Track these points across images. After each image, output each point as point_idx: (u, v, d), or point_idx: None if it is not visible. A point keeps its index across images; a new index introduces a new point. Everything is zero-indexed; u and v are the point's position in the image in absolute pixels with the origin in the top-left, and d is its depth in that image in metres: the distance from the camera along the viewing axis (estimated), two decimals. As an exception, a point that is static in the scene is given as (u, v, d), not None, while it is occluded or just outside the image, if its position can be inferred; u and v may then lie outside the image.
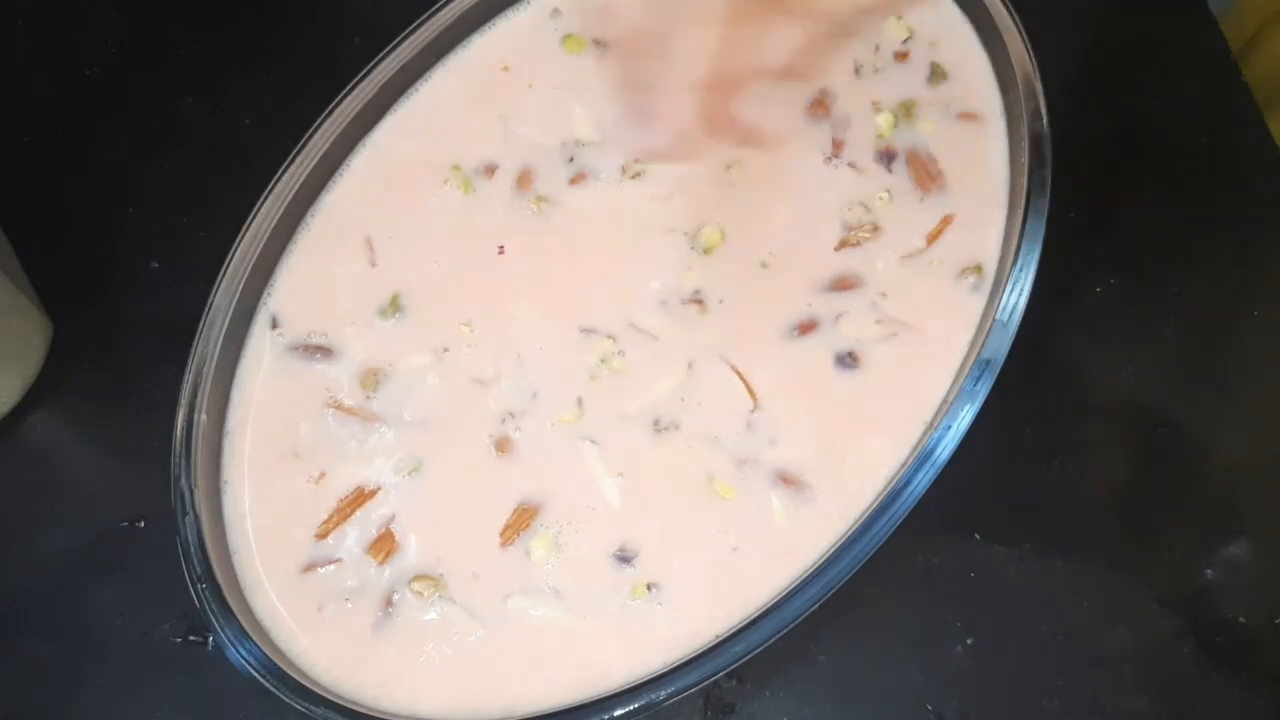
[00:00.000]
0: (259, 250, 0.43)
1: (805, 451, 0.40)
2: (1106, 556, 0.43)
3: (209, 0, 0.59)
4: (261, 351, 0.43)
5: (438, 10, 0.46)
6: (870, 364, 0.40)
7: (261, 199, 0.43)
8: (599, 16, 0.47)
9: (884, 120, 0.44)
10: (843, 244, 0.42)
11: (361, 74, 0.45)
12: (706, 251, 0.43)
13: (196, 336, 0.42)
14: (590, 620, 0.38)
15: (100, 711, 0.44)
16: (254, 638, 0.37)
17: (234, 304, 0.42)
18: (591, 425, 0.41)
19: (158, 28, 0.59)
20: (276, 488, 0.41)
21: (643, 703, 0.36)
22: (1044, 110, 0.41)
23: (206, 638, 0.44)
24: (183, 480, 0.39)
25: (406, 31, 0.45)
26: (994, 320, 0.38)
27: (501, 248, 0.44)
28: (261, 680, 0.37)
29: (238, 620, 0.38)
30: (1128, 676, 0.42)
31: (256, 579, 0.40)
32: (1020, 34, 0.42)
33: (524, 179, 0.45)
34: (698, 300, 0.42)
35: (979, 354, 0.38)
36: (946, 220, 0.42)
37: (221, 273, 0.42)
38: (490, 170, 0.45)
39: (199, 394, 0.41)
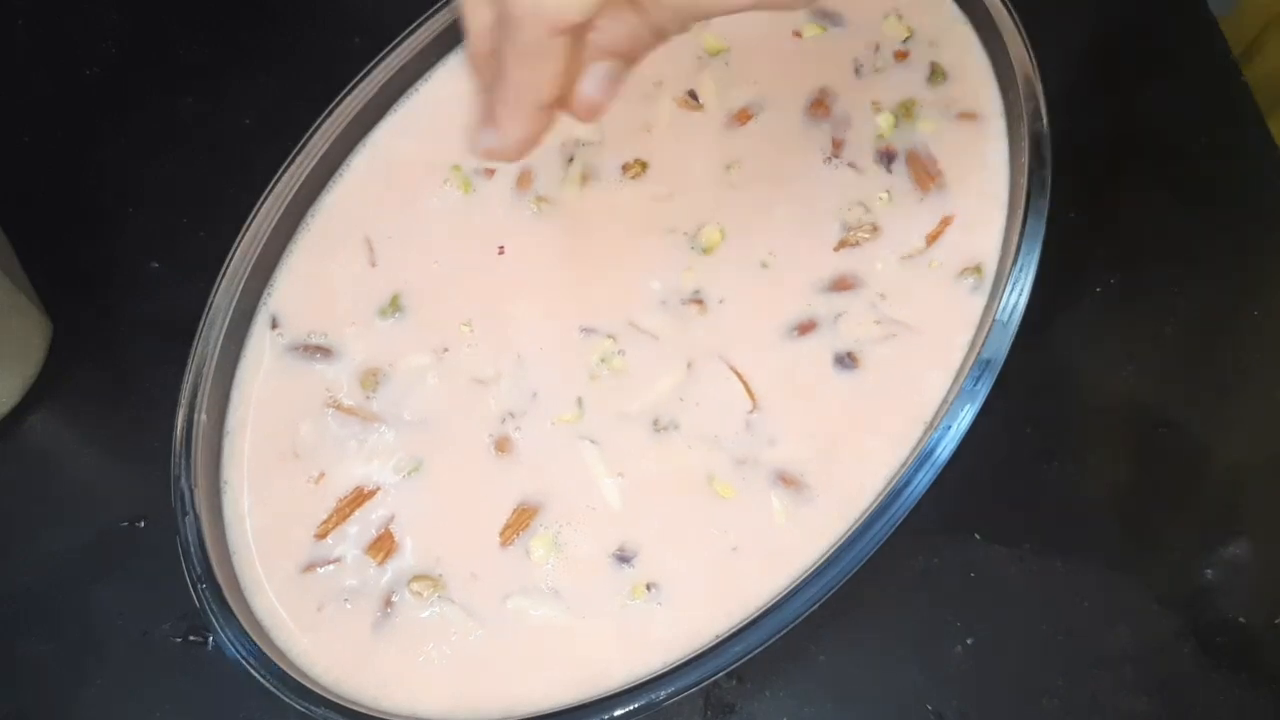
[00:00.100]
0: (259, 250, 0.43)
1: (805, 451, 0.40)
2: (1106, 556, 0.43)
3: (209, 0, 0.59)
4: (261, 351, 0.43)
5: (438, 10, 0.46)
6: (870, 364, 0.40)
7: (261, 199, 0.43)
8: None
9: (884, 120, 0.44)
10: (842, 244, 0.42)
11: (361, 74, 0.45)
12: (706, 251, 0.43)
13: (196, 336, 0.42)
14: (590, 620, 0.38)
15: (100, 711, 0.44)
16: (254, 638, 0.37)
17: (234, 304, 0.42)
18: (591, 425, 0.41)
19: (158, 28, 0.59)
20: (276, 488, 0.41)
21: (643, 703, 0.36)
22: (1044, 110, 0.41)
23: (206, 638, 0.44)
24: (183, 480, 0.39)
25: (406, 31, 0.45)
26: (994, 320, 0.38)
27: (501, 248, 0.44)
28: (261, 680, 0.37)
29: (238, 620, 0.38)
30: (1128, 676, 0.42)
31: (256, 579, 0.40)
32: (1020, 34, 0.42)
33: (524, 179, 0.45)
34: (698, 300, 0.42)
35: (979, 354, 0.38)
36: (946, 221, 0.42)
37: (221, 273, 0.42)
38: (490, 170, 0.45)
39: (199, 394, 0.41)
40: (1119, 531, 0.44)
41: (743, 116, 0.45)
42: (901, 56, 0.45)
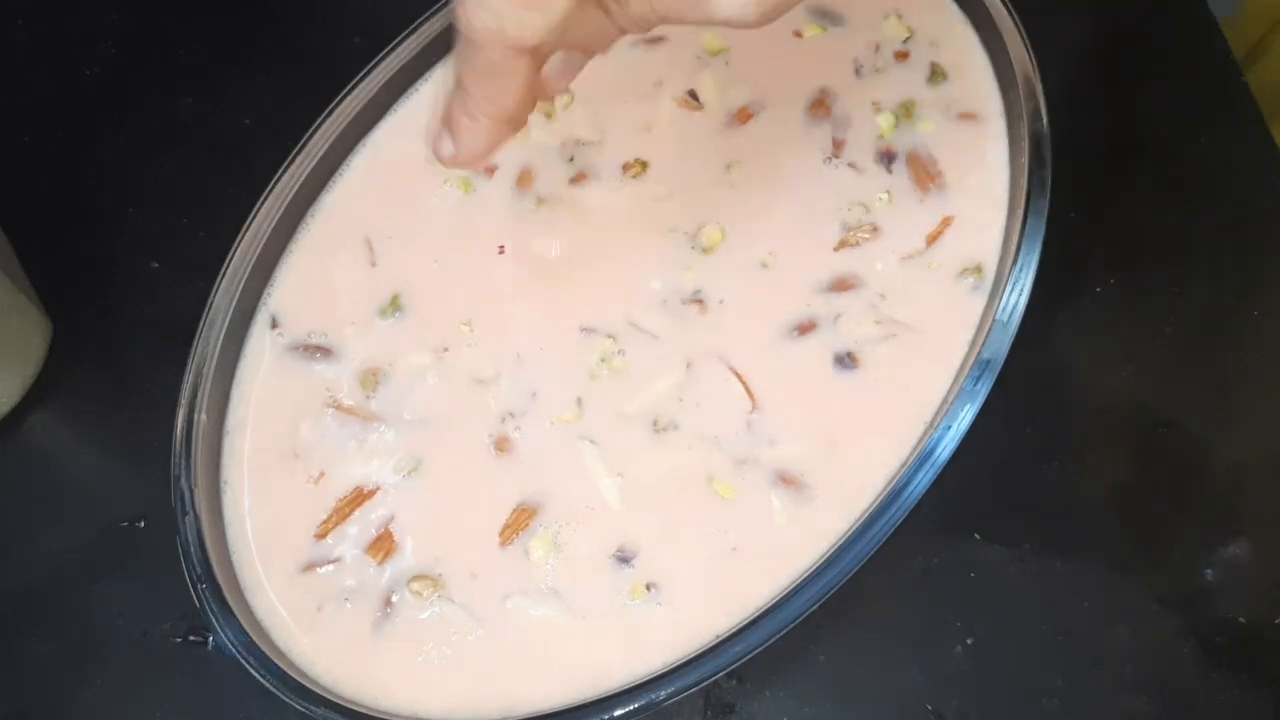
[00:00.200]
0: (259, 250, 0.43)
1: (805, 451, 0.40)
2: (1106, 556, 0.43)
3: (209, 0, 0.59)
4: (261, 351, 0.43)
5: (438, 10, 0.46)
6: (869, 364, 0.40)
7: (261, 199, 0.43)
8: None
9: (884, 120, 0.44)
10: (842, 244, 0.42)
11: (361, 74, 0.45)
12: (707, 251, 0.43)
13: (196, 336, 0.42)
14: (590, 620, 0.38)
15: (100, 711, 0.44)
16: (254, 638, 0.37)
17: (234, 304, 0.42)
18: (591, 425, 0.41)
19: (158, 28, 0.59)
20: (276, 488, 0.41)
21: (643, 703, 0.36)
22: (1044, 110, 0.41)
23: (206, 638, 0.44)
24: (183, 480, 0.39)
25: (406, 31, 0.45)
26: (994, 320, 0.38)
27: (502, 247, 0.44)
28: (261, 680, 0.37)
29: (238, 620, 0.38)
30: (1128, 676, 0.42)
31: (256, 579, 0.40)
32: (1020, 34, 0.42)
33: (524, 179, 0.45)
34: (698, 300, 0.42)
35: (979, 354, 0.38)
36: (946, 221, 0.42)
37: (221, 273, 0.42)
38: (490, 170, 0.45)
39: (199, 394, 0.41)
40: (1119, 531, 0.44)
41: (743, 116, 0.45)
42: (902, 57, 0.45)
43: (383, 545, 0.40)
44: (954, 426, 0.37)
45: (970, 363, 0.38)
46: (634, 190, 0.45)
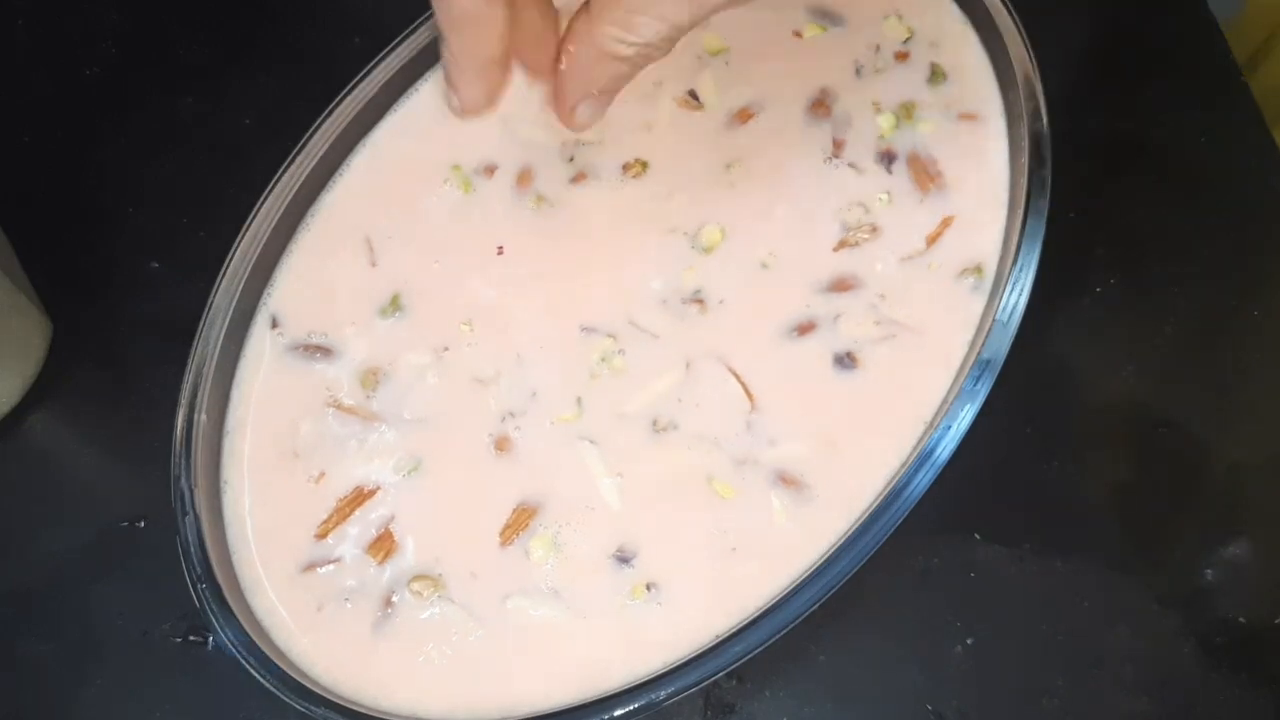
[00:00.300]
0: (259, 250, 0.43)
1: (805, 451, 0.40)
2: (1106, 556, 0.43)
3: (209, 0, 0.59)
4: (261, 351, 0.43)
5: (438, 10, 0.46)
6: (869, 364, 0.40)
7: (261, 199, 0.43)
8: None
9: (885, 121, 0.44)
10: (841, 244, 0.42)
11: (361, 74, 0.45)
12: (707, 251, 0.43)
13: (196, 336, 0.42)
14: (590, 620, 0.38)
15: (100, 711, 0.44)
16: (254, 638, 0.37)
17: (234, 304, 0.42)
18: (591, 425, 0.41)
19: (158, 28, 0.59)
20: (276, 488, 0.41)
21: (643, 703, 0.36)
22: (1044, 110, 0.41)
23: (206, 638, 0.44)
24: (183, 480, 0.39)
25: (406, 31, 0.45)
26: (994, 320, 0.38)
27: (501, 248, 0.44)
28: (261, 680, 0.37)
29: (238, 620, 0.37)
30: (1128, 676, 0.42)
31: (256, 579, 0.40)
32: (1020, 34, 0.42)
33: (524, 179, 0.45)
34: (698, 300, 0.42)
35: (979, 354, 0.38)
36: (946, 221, 0.42)
37: (221, 273, 0.42)
38: (490, 170, 0.45)
39: (199, 394, 0.41)
40: (1119, 531, 0.44)
41: (743, 116, 0.45)
42: (902, 57, 0.45)
43: (383, 545, 0.40)
44: (954, 426, 0.37)
45: (970, 363, 0.38)
46: (634, 190, 0.45)
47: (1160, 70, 0.53)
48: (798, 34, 0.46)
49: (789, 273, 0.42)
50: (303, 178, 0.44)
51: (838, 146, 0.44)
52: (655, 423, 0.41)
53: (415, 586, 0.39)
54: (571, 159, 0.45)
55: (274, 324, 0.44)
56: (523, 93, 0.47)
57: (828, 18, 0.46)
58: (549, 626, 0.38)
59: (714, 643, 0.37)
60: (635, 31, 0.31)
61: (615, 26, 0.31)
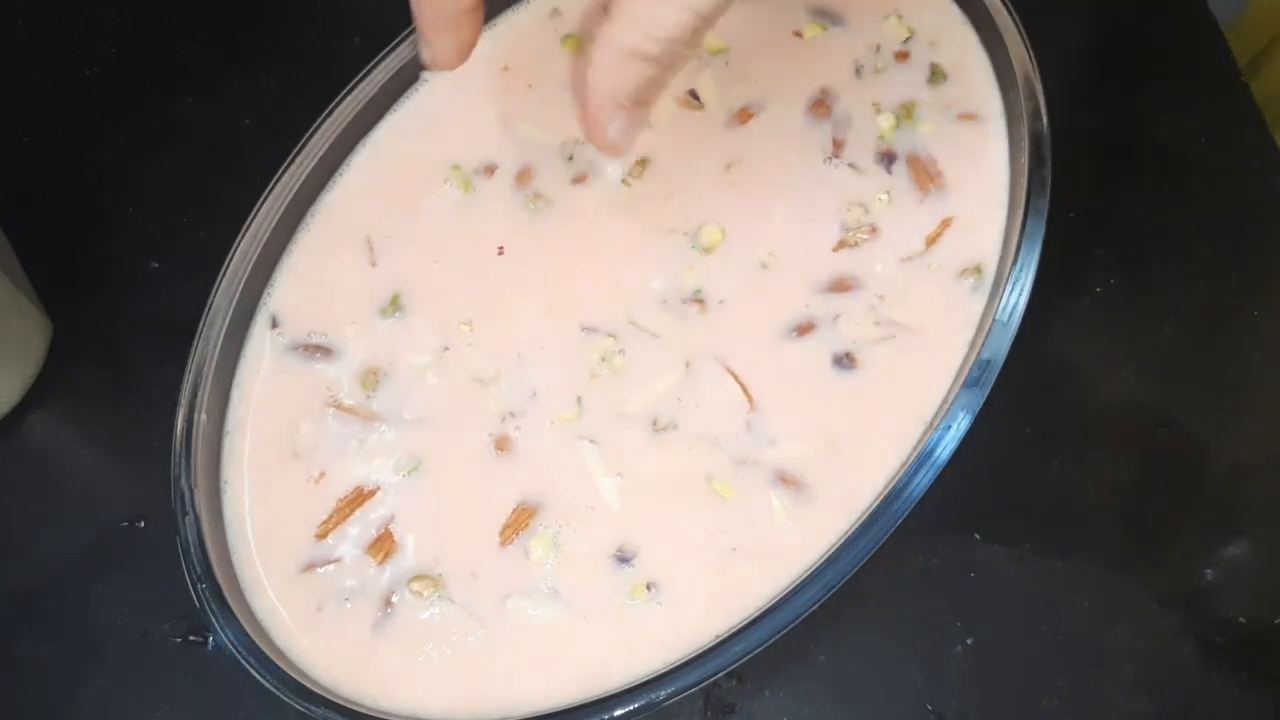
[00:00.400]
0: (259, 250, 0.43)
1: (805, 452, 0.40)
2: (1106, 556, 0.43)
3: (209, 0, 0.59)
4: (261, 351, 0.43)
5: (438, 10, 0.46)
6: (869, 365, 0.40)
7: (261, 199, 0.43)
8: (600, 16, 0.47)
9: (885, 121, 0.44)
10: (841, 245, 0.42)
11: (361, 74, 0.45)
12: (707, 251, 0.43)
13: (196, 336, 0.42)
14: (590, 620, 0.38)
15: (100, 711, 0.44)
16: (254, 638, 0.37)
17: (234, 304, 0.42)
18: (591, 424, 0.41)
19: (158, 28, 0.59)
20: (276, 488, 0.41)
21: (643, 703, 0.36)
22: (1044, 110, 0.41)
23: (206, 638, 0.44)
24: (183, 480, 0.39)
25: (406, 31, 0.45)
26: (994, 320, 0.38)
27: (501, 249, 0.44)
28: (261, 680, 0.37)
29: (238, 620, 0.38)
30: (1128, 676, 0.42)
31: (256, 579, 0.40)
32: (1020, 34, 0.42)
33: (524, 178, 0.45)
34: (698, 300, 0.42)
35: (979, 354, 0.38)
36: (946, 222, 0.42)
37: (221, 273, 0.42)
38: (490, 170, 0.45)
39: (199, 394, 0.41)
40: (1119, 531, 0.44)
41: (743, 116, 0.45)
42: (902, 57, 0.45)
43: (383, 545, 0.40)
44: (954, 426, 0.37)
45: (970, 363, 0.38)
46: (635, 190, 0.45)
47: (1160, 70, 0.53)
48: (798, 34, 0.46)
49: (789, 273, 0.42)
50: (303, 178, 0.44)
51: (838, 146, 0.44)
52: (655, 423, 0.41)
53: (415, 586, 0.39)
54: (571, 159, 0.45)
55: (274, 324, 0.44)
56: (523, 93, 0.47)
57: (828, 17, 0.46)
58: (549, 626, 0.38)
59: (714, 643, 0.36)
60: (659, 26, 0.30)
61: (637, 23, 0.31)
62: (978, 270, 0.41)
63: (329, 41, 0.54)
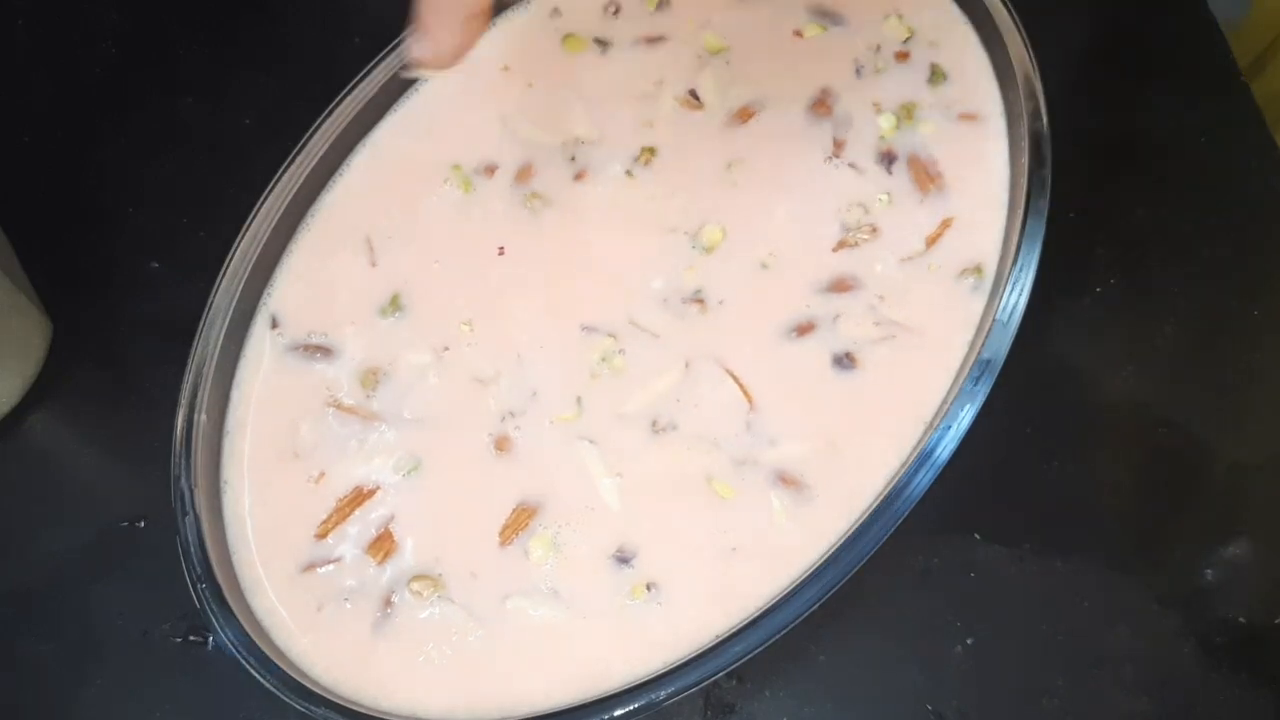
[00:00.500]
0: (259, 250, 0.43)
1: (805, 452, 0.40)
2: (1106, 556, 0.43)
3: (209, 0, 0.59)
4: (261, 351, 0.43)
5: (438, 10, 0.46)
6: (869, 365, 0.40)
7: (261, 199, 0.43)
8: (600, 15, 0.47)
9: (886, 121, 0.44)
10: (841, 245, 0.42)
11: (361, 74, 0.45)
12: (708, 250, 0.43)
13: (196, 336, 0.42)
14: (589, 620, 0.38)
15: (100, 711, 0.44)
16: (254, 638, 0.37)
17: (234, 304, 0.42)
18: (591, 424, 0.41)
19: (158, 28, 0.59)
20: (276, 488, 0.41)
21: (643, 703, 0.36)
22: (1044, 110, 0.41)
23: (206, 638, 0.44)
24: (183, 480, 0.39)
25: (406, 31, 0.45)
26: (994, 320, 0.38)
27: (501, 249, 0.44)
28: (261, 680, 0.37)
29: (238, 620, 0.38)
30: (1128, 676, 0.42)
31: (256, 579, 0.40)
32: (1020, 34, 0.42)
33: (524, 178, 0.45)
34: (699, 299, 0.42)
35: (979, 354, 0.38)
36: (946, 223, 0.42)
37: (221, 273, 0.42)
38: (490, 170, 0.45)
39: (199, 394, 0.41)
40: (1119, 531, 0.44)
41: (744, 115, 0.45)
42: (902, 57, 0.45)
43: (383, 545, 0.40)
44: (954, 426, 0.37)
45: (970, 363, 0.38)
46: (635, 189, 0.45)
47: (1160, 70, 0.53)
48: (798, 34, 0.46)
49: (789, 273, 0.42)
50: (303, 178, 0.44)
51: (838, 146, 0.44)
52: (655, 423, 0.41)
53: (415, 586, 0.39)
54: (573, 158, 0.45)
55: (274, 324, 0.44)
56: (523, 93, 0.47)
57: (828, 17, 0.46)
58: (549, 626, 0.38)
59: (714, 643, 0.36)
60: None
61: None
62: (978, 270, 0.41)
63: (329, 41, 0.54)
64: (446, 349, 0.43)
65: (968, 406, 0.37)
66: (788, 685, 0.42)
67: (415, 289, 0.44)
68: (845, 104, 0.45)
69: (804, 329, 0.41)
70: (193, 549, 0.38)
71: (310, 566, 0.40)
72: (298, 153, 0.44)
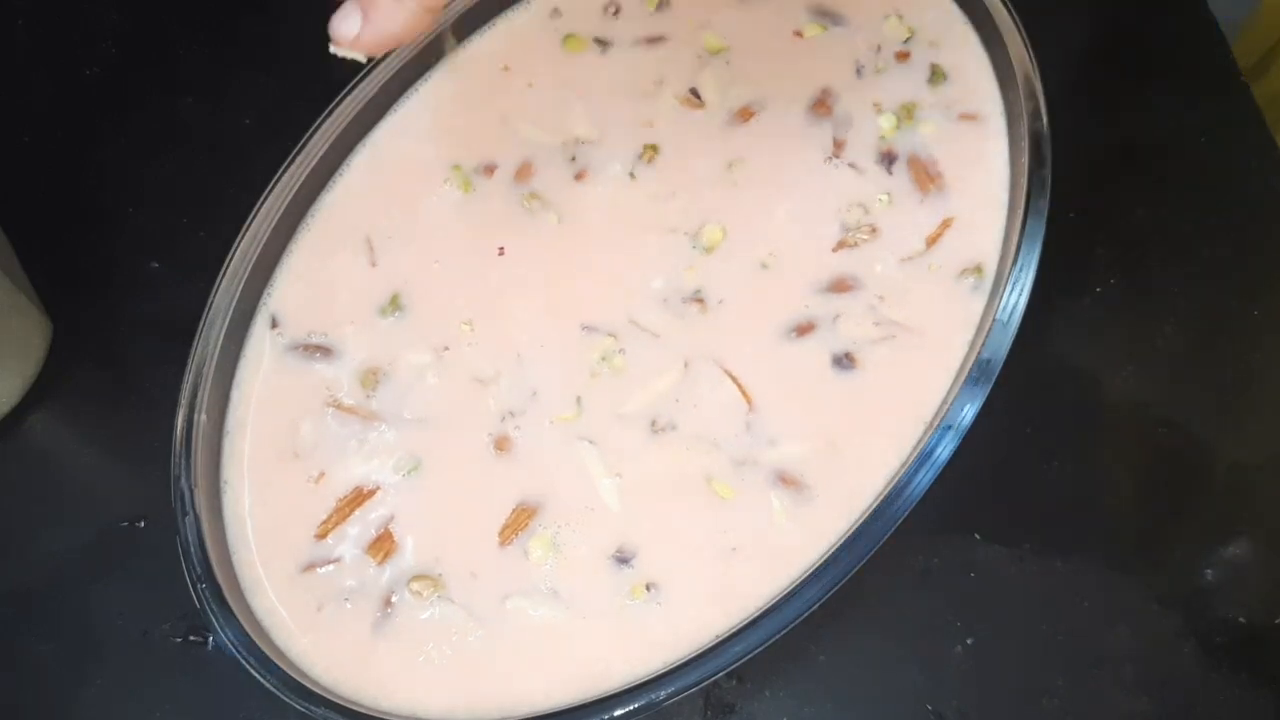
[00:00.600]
0: (259, 250, 0.43)
1: (805, 452, 0.40)
2: (1106, 556, 0.43)
3: (209, 0, 0.59)
4: (261, 351, 0.43)
5: (438, 10, 0.45)
6: (868, 365, 0.40)
7: (261, 199, 0.43)
8: (600, 15, 0.47)
9: (886, 121, 0.44)
10: (841, 245, 0.42)
11: (362, 74, 0.45)
12: (708, 250, 0.43)
13: (196, 336, 0.42)
14: (589, 620, 0.38)
15: (100, 711, 0.44)
16: (254, 638, 0.37)
17: (234, 304, 0.42)
18: (591, 424, 0.41)
19: (158, 28, 0.59)
20: (276, 488, 0.41)
21: (643, 703, 0.36)
22: (1044, 110, 0.41)
23: (206, 638, 0.44)
24: (183, 480, 0.39)
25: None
26: (994, 320, 0.38)
27: (501, 249, 0.44)
28: (261, 680, 0.37)
29: (237, 620, 0.37)
30: (1128, 676, 0.42)
31: (256, 579, 0.40)
32: (1020, 34, 0.42)
33: (524, 178, 0.45)
34: (699, 299, 0.42)
35: (979, 354, 0.38)
36: (946, 223, 0.42)
37: (221, 273, 0.42)
38: (490, 170, 0.45)
39: (199, 394, 0.41)
40: (1119, 531, 0.44)
41: (744, 115, 0.45)
42: (902, 57, 0.45)
43: (383, 545, 0.40)
44: (954, 426, 0.37)
45: (970, 363, 0.38)
46: (635, 189, 0.45)
47: (1160, 70, 0.53)
48: (798, 34, 0.46)
49: (789, 273, 0.42)
50: (303, 178, 0.44)
51: (838, 146, 0.44)
52: (654, 423, 0.41)
53: (415, 586, 0.39)
54: (573, 158, 0.45)
55: (274, 324, 0.44)
56: (523, 93, 0.47)
57: (828, 17, 0.46)
58: (549, 626, 0.38)
59: (714, 643, 0.36)
60: None
61: None
62: (978, 270, 0.41)
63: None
64: (446, 349, 0.43)
65: (968, 406, 0.37)
66: (788, 685, 0.42)
67: (415, 289, 0.44)
68: (845, 104, 0.45)
69: (804, 329, 0.41)
70: (193, 549, 0.38)
71: (310, 566, 0.40)
72: (298, 153, 0.44)
